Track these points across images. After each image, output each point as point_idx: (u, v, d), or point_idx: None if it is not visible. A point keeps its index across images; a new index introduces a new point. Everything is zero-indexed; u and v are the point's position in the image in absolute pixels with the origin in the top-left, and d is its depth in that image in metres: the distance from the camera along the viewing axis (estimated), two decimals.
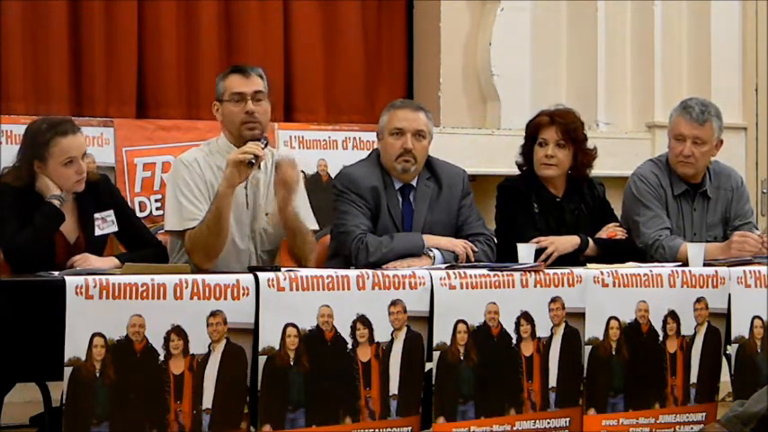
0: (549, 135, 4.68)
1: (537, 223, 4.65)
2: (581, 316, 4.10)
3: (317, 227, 4.54)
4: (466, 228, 4.59)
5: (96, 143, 5.15)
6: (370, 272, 3.87)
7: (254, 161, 4.14)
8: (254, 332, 3.64)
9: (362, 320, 3.80)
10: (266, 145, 4.27)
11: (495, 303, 3.98)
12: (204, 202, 4.26)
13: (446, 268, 4.06)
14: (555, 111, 4.75)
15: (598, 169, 4.95)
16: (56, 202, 4.08)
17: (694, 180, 4.91)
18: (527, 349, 4.03)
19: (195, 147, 4.52)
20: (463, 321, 3.93)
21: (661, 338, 4.23)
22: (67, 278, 3.47)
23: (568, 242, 4.57)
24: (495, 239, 4.64)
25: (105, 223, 4.24)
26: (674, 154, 4.85)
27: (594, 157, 4.78)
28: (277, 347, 3.67)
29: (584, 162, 4.74)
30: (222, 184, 4.16)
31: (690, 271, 4.31)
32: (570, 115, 4.74)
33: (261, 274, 3.69)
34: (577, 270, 4.16)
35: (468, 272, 3.99)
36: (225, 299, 3.61)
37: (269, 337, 3.66)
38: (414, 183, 4.56)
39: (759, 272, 4.37)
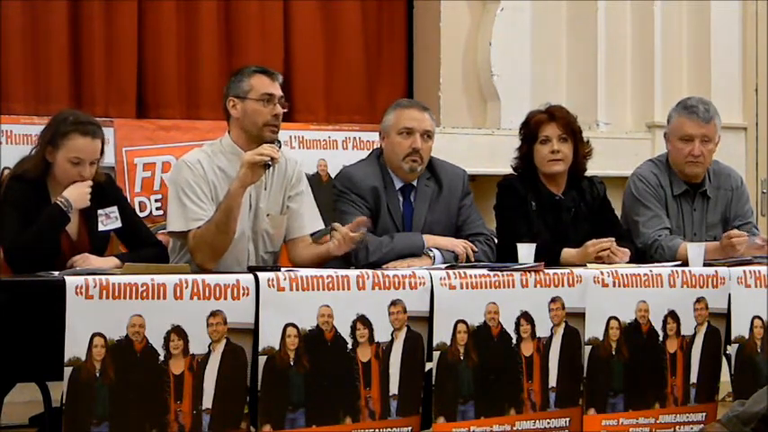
0: (552, 131, 4.68)
1: (533, 221, 4.66)
2: (581, 316, 4.10)
3: (323, 226, 4.54)
4: (466, 228, 4.59)
5: None
6: (370, 272, 3.87)
7: (270, 163, 4.14)
8: (254, 332, 3.64)
9: (362, 320, 3.80)
10: (280, 147, 4.27)
11: (495, 303, 3.98)
12: (208, 202, 4.25)
13: (446, 268, 4.06)
14: (550, 108, 4.77)
15: (598, 169, 4.96)
16: (62, 204, 4.09)
17: (694, 180, 4.92)
18: (527, 349, 4.03)
19: (197, 147, 4.51)
20: (463, 321, 3.93)
21: (661, 338, 4.23)
22: (67, 278, 3.47)
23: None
24: (496, 239, 4.64)
25: (109, 219, 4.25)
26: (683, 155, 4.84)
27: (590, 149, 4.79)
28: (277, 347, 3.67)
29: (584, 154, 4.76)
30: (234, 183, 4.15)
31: (690, 271, 4.31)
32: (565, 110, 4.78)
33: (261, 274, 3.69)
34: (577, 270, 4.16)
35: (468, 272, 3.99)
36: (225, 299, 3.61)
37: (269, 337, 3.66)
38: (414, 183, 4.56)
39: (759, 272, 4.37)
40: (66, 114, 4.26)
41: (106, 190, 4.29)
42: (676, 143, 4.87)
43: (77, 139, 4.15)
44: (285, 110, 4.39)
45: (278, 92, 4.36)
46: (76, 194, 4.13)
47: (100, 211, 4.24)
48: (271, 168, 4.34)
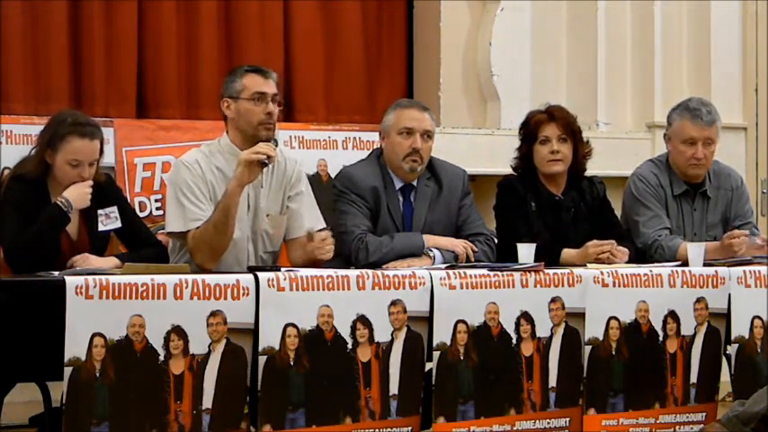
0: (551, 131, 4.68)
1: (533, 222, 4.66)
2: (581, 316, 4.10)
3: (324, 225, 4.54)
4: (466, 228, 4.59)
5: None
6: (370, 272, 3.87)
7: (266, 161, 4.13)
8: (254, 332, 3.64)
9: (362, 320, 3.80)
10: (276, 145, 4.27)
11: (495, 303, 3.98)
12: (206, 202, 4.25)
13: (446, 268, 4.06)
14: (550, 108, 4.77)
15: (598, 169, 4.96)
16: (62, 204, 4.09)
17: (695, 180, 4.92)
18: (527, 349, 4.03)
19: (195, 147, 4.51)
20: (463, 321, 3.93)
21: (661, 338, 4.23)
22: (67, 278, 3.47)
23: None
24: (496, 239, 4.64)
25: (109, 219, 4.26)
26: (685, 158, 4.84)
27: (590, 149, 4.79)
28: (277, 347, 3.67)
29: (584, 155, 4.76)
30: (232, 182, 4.15)
31: (690, 271, 4.31)
32: (564, 110, 4.77)
33: (261, 274, 3.69)
34: (577, 270, 4.17)
35: (468, 272, 3.99)
36: (225, 299, 3.61)
37: (269, 337, 3.66)
38: (414, 182, 4.56)
39: (759, 272, 4.37)
40: (63, 116, 4.25)
41: (106, 190, 4.30)
42: (679, 146, 4.86)
43: (75, 141, 4.15)
44: (279, 107, 4.37)
45: (271, 90, 4.35)
46: (76, 194, 4.13)
47: (100, 211, 4.25)
48: (270, 168, 4.34)
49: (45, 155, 4.17)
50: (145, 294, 3.51)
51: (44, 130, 4.24)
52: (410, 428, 3.87)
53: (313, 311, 3.73)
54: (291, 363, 3.68)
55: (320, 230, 4.48)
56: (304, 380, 3.70)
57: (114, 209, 4.28)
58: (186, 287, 3.57)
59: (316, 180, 5.35)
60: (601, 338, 4.13)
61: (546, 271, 4.09)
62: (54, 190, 4.19)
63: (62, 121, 4.20)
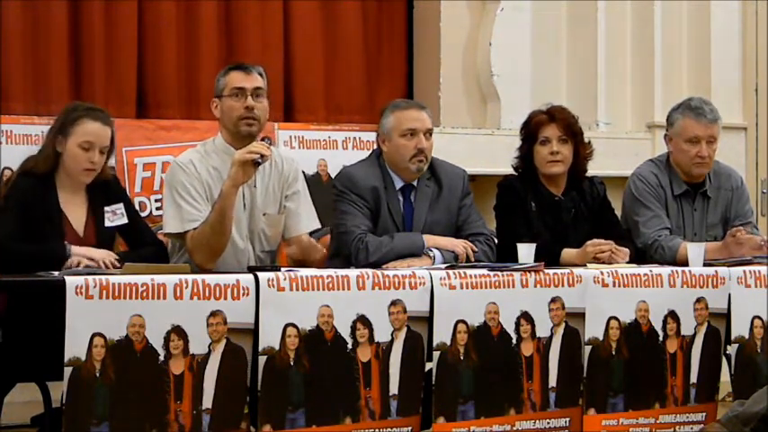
0: (551, 132, 4.68)
1: (533, 222, 4.66)
2: (581, 316, 4.10)
3: (319, 225, 4.54)
4: (466, 228, 4.59)
5: None
6: (370, 272, 3.87)
7: (260, 161, 4.13)
8: (254, 332, 3.64)
9: (362, 320, 3.80)
10: (270, 145, 4.27)
11: (495, 303, 3.98)
12: (203, 202, 4.25)
13: (446, 268, 4.06)
14: (551, 108, 4.76)
15: (598, 169, 4.96)
16: (67, 253, 4.06)
17: (696, 180, 4.92)
18: (527, 349, 4.03)
19: (191, 148, 4.52)
20: (463, 321, 3.93)
21: (661, 338, 4.23)
22: (67, 278, 3.47)
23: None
24: (496, 239, 4.64)
25: (115, 216, 4.28)
26: (689, 157, 4.83)
27: (591, 150, 4.79)
28: (277, 347, 3.67)
29: (584, 156, 4.75)
30: (226, 182, 4.15)
31: (690, 271, 4.31)
32: (566, 111, 4.76)
33: (261, 274, 3.69)
34: (577, 270, 4.16)
35: (468, 272, 3.99)
36: (225, 299, 3.62)
37: (269, 337, 3.66)
38: (414, 183, 4.56)
39: (759, 272, 4.37)
40: (75, 104, 4.33)
41: (112, 187, 4.32)
42: (682, 145, 4.86)
43: (88, 123, 4.17)
44: (260, 100, 4.34)
45: (251, 84, 4.34)
46: (75, 164, 4.13)
47: (106, 208, 4.28)
48: (267, 167, 4.35)
49: (55, 143, 4.18)
50: (145, 294, 3.51)
51: (55, 121, 4.27)
52: (410, 428, 3.87)
53: (313, 311, 3.73)
54: (291, 363, 3.69)
55: (313, 232, 4.51)
56: (304, 380, 3.70)
57: (120, 206, 4.31)
58: (186, 287, 3.57)
59: (316, 180, 5.36)
60: (601, 338, 4.13)
61: (546, 271, 4.09)
62: (61, 183, 4.19)
63: (74, 108, 4.26)
